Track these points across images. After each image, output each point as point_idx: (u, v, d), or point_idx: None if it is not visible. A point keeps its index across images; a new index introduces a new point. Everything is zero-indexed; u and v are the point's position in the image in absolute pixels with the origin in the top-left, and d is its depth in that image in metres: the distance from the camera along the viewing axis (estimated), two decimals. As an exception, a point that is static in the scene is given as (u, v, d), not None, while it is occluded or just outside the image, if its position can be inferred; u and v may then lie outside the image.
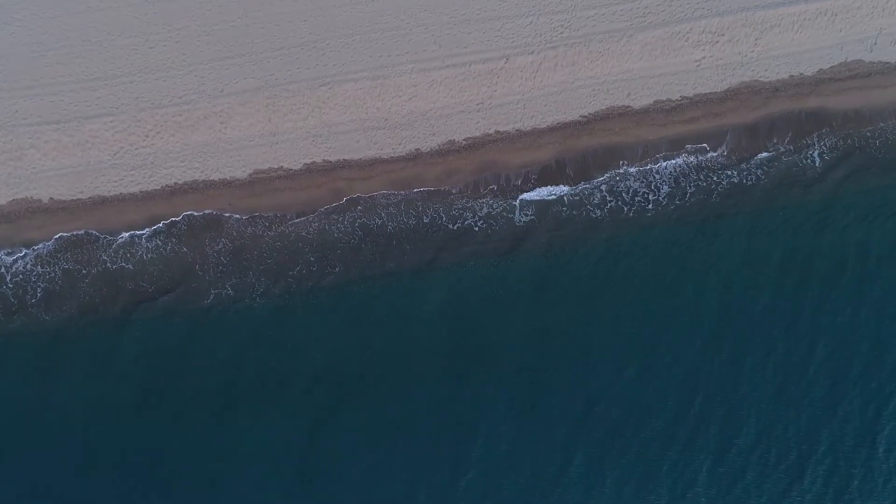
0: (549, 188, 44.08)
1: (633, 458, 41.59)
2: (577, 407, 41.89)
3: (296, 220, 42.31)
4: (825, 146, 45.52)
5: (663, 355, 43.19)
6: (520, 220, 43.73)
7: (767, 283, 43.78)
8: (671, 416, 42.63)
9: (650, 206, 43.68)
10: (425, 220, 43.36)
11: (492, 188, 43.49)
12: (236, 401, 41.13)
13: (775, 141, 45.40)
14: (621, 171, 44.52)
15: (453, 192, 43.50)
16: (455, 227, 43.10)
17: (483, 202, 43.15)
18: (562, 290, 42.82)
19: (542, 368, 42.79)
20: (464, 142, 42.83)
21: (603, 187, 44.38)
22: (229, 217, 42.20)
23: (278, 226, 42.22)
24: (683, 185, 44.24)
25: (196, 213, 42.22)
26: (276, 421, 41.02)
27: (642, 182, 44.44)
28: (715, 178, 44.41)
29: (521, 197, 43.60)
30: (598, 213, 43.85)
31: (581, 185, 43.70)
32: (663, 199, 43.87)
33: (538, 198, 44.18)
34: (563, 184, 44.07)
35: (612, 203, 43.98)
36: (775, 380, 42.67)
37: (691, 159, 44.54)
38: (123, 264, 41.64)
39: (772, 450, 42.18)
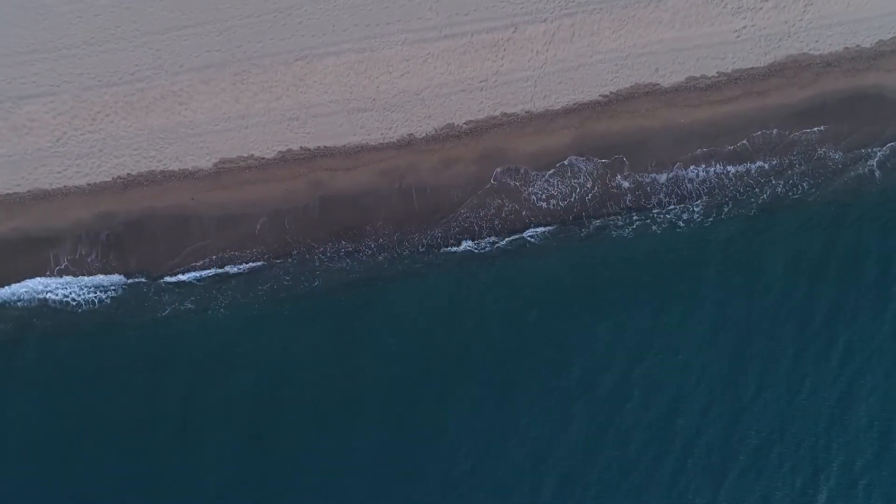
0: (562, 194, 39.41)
1: (626, 468, 37.73)
2: (563, 410, 38.09)
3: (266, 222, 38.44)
4: (888, 144, 40.74)
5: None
6: (531, 238, 39.31)
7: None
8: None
9: (682, 223, 39.90)
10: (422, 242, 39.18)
11: (498, 201, 39.33)
12: (196, 426, 36.89)
13: (828, 132, 40.66)
14: (648, 178, 39.83)
15: (451, 191, 39.06)
16: (453, 251, 39.09)
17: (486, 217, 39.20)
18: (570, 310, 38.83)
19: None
20: (465, 126, 38.89)
21: (627, 197, 39.98)
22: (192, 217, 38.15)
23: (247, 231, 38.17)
24: (719, 197, 40.17)
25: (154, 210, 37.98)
26: (242, 448, 36.93)
27: (672, 195, 40.12)
28: (757, 190, 40.34)
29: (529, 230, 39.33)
30: (626, 231, 39.76)
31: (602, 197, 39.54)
32: (697, 216, 39.87)
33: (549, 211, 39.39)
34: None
35: (639, 221, 39.82)
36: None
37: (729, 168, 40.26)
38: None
39: (785, 462, 38.15)
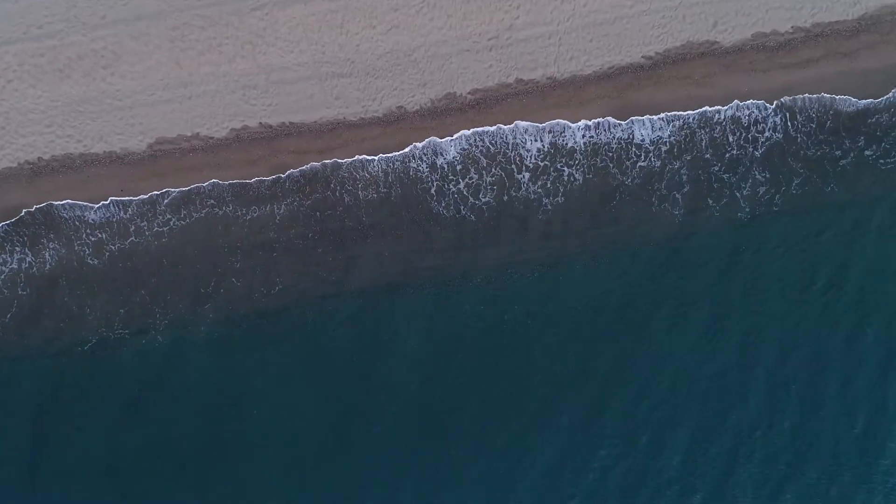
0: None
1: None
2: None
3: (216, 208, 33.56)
4: None
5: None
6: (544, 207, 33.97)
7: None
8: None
9: (743, 202, 34.49)
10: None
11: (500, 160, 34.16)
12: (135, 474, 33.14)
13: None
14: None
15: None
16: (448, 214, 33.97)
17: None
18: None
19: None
20: (469, 96, 33.98)
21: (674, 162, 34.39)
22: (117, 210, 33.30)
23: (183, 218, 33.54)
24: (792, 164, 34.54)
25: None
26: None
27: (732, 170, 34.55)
28: (840, 158, 34.70)
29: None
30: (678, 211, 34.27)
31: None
32: (763, 192, 34.42)
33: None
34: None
35: (689, 187, 34.22)
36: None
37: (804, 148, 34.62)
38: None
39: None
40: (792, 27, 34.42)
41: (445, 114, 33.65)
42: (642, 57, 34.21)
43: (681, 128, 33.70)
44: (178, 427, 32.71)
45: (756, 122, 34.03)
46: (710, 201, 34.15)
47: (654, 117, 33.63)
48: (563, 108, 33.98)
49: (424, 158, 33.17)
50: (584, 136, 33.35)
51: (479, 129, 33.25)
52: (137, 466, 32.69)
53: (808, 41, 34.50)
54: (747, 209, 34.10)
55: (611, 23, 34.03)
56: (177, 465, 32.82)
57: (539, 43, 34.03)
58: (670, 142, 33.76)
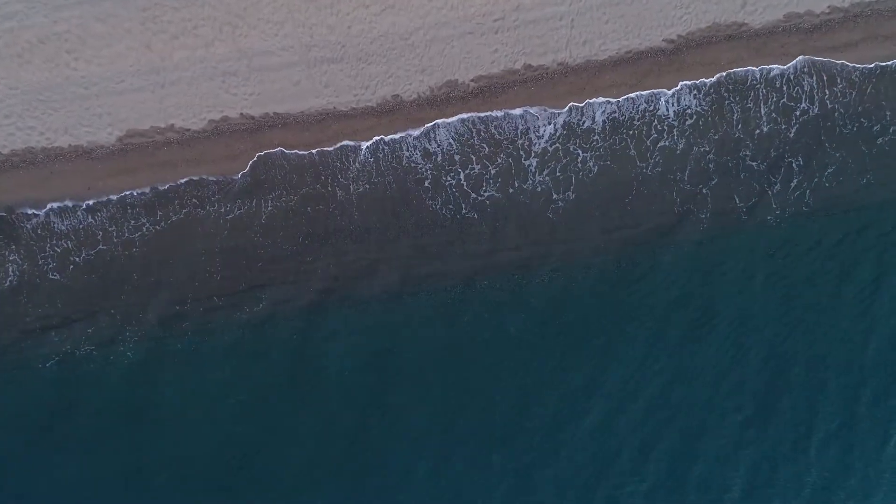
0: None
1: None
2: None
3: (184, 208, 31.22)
4: None
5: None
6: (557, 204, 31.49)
7: None
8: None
9: (774, 203, 32.42)
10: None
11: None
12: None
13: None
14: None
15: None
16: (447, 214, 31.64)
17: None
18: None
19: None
20: (472, 84, 32.00)
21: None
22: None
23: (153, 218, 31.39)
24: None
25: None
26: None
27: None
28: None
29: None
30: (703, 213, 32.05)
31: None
32: (795, 192, 32.29)
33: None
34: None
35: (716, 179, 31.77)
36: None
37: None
38: None
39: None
40: (828, 7, 32.44)
41: (446, 103, 31.56)
42: (663, 40, 32.29)
43: (706, 94, 31.43)
44: (153, 447, 30.51)
45: (789, 82, 31.75)
46: (737, 199, 31.70)
47: (685, 82, 31.31)
48: (576, 96, 31.88)
49: (418, 146, 30.87)
50: (603, 111, 30.89)
51: (483, 114, 30.95)
52: (112, 483, 30.57)
53: (846, 22, 32.60)
54: (777, 208, 31.73)
55: (628, 2, 32.11)
56: (154, 482, 30.66)
57: (549, 25, 32.22)
58: (697, 112, 31.37)
